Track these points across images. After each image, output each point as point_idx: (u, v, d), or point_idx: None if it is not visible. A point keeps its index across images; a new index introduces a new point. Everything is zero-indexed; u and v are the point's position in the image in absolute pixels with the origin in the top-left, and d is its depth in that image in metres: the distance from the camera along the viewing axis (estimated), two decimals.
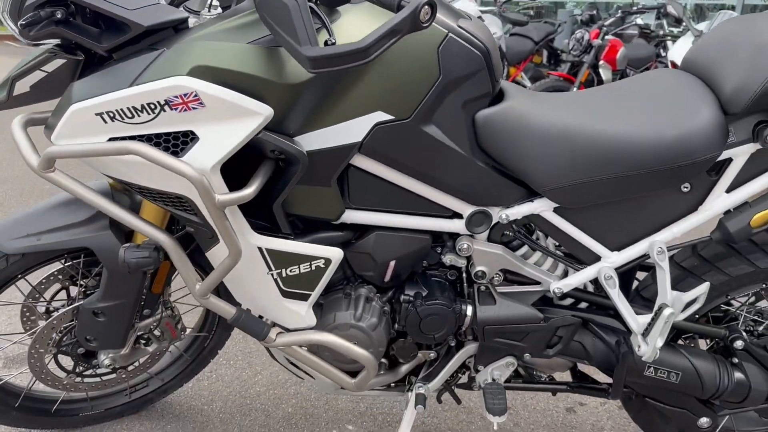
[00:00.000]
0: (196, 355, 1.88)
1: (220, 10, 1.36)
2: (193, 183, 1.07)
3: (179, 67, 1.06)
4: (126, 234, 1.46)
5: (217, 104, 1.06)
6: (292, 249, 1.24)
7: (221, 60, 1.07)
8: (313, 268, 1.27)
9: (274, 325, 1.36)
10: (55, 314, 1.54)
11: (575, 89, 5.05)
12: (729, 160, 1.30)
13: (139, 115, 1.08)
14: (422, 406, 1.46)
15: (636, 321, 1.36)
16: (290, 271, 1.27)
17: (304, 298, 1.31)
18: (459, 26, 1.20)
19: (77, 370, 1.65)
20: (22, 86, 1.26)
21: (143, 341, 1.69)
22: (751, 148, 1.28)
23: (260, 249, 1.24)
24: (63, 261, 1.53)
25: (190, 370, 1.89)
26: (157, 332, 1.68)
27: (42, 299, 1.59)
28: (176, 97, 1.05)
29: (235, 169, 1.20)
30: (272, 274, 1.27)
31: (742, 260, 1.44)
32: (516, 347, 1.42)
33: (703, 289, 1.33)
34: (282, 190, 1.18)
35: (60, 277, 1.61)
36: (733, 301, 1.55)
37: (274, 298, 1.30)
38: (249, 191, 1.11)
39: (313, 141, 1.17)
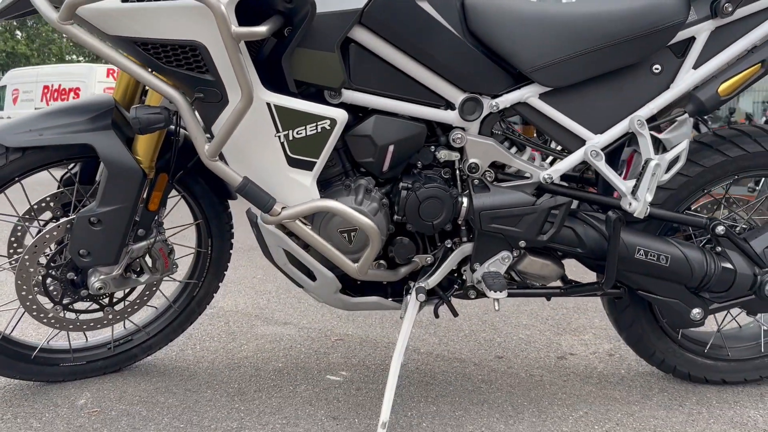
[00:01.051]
0: (185, 306, 1.83)
1: None
2: (213, 11, 1.14)
3: None
4: (127, 139, 1.49)
5: None
6: (300, 107, 1.30)
7: None
8: (320, 129, 1.32)
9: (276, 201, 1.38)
10: (46, 228, 1.51)
11: None
12: (692, 39, 1.45)
13: None
14: (423, 295, 1.47)
15: (624, 183, 1.44)
16: (297, 133, 1.32)
17: (310, 166, 1.35)
18: None
19: (64, 301, 1.60)
20: None
21: (135, 272, 1.66)
22: (711, 24, 1.44)
23: (269, 105, 1.29)
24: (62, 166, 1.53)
25: (177, 324, 1.84)
26: (148, 261, 1.65)
27: (36, 221, 1.57)
28: None
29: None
30: (279, 137, 1.32)
31: (713, 152, 1.56)
32: (511, 234, 1.47)
33: (683, 146, 1.43)
34: (291, 42, 1.26)
35: (52, 204, 1.60)
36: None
37: (279, 167, 1.34)
38: (263, 29, 1.19)
39: (318, 5, 1.27)
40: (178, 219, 1.89)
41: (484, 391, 1.72)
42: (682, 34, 1.44)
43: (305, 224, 1.39)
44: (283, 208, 1.36)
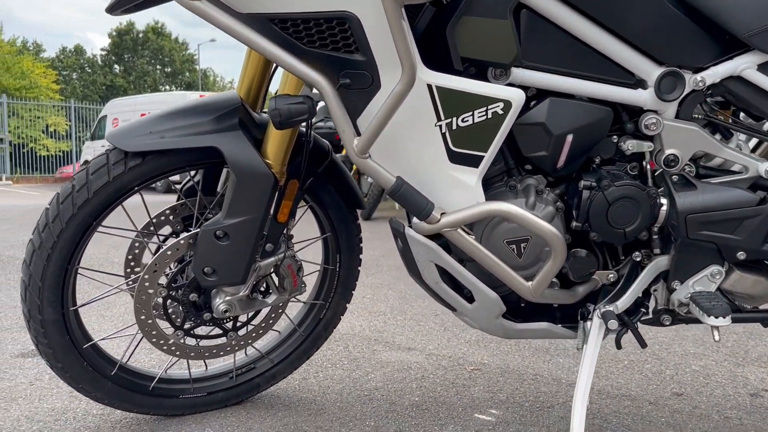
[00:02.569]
0: (311, 330, 1.63)
1: None
2: None
3: None
4: (256, 139, 1.30)
5: None
6: (468, 87, 1.06)
7: None
8: (490, 115, 1.07)
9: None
10: (168, 243, 1.35)
11: None
12: None
13: None
14: (615, 321, 1.18)
15: None
16: (462, 120, 1.07)
17: (475, 162, 1.11)
18: None
19: (185, 325, 1.42)
20: None
21: (261, 293, 1.46)
22: None
23: (430, 88, 1.06)
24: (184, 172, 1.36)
25: (303, 350, 1.63)
26: (275, 279, 1.46)
27: (155, 235, 1.41)
28: None
29: None
30: (440, 126, 1.08)
31: None
32: (727, 243, 1.16)
33: None
34: (457, 6, 1.03)
35: (172, 218, 1.44)
36: None
37: (439, 164, 1.10)
38: None
39: None
40: (300, 234, 1.70)
41: None
42: None
43: (468, 233, 1.14)
44: (442, 214, 1.11)
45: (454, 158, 1.10)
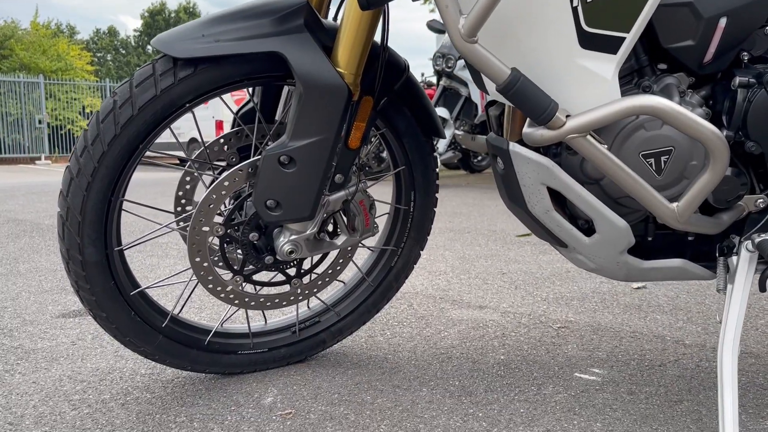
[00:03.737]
0: (381, 280, 1.44)
1: None
2: None
3: None
4: (325, 46, 1.09)
5: None
6: None
7: None
8: None
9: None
10: (225, 174, 1.15)
11: None
12: None
13: None
14: (755, 275, 0.95)
15: None
16: None
17: (614, 47, 0.88)
18: None
19: (245, 270, 1.24)
20: None
21: (329, 234, 1.27)
22: None
23: None
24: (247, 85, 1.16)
25: (372, 303, 1.44)
26: (345, 217, 1.26)
27: (209, 167, 1.22)
28: None
29: None
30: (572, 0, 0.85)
31: None
32: None
33: None
34: None
35: (226, 148, 1.25)
36: None
37: (567, 50, 0.88)
38: None
39: None
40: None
41: None
42: None
43: (600, 142, 0.92)
44: (567, 116, 0.89)
45: (587, 42, 0.88)
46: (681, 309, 1.75)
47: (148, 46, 40.64)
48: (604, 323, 1.67)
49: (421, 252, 1.46)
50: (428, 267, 2.44)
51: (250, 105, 1.28)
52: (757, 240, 0.97)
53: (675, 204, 0.94)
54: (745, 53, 1.00)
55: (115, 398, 1.26)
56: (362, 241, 1.31)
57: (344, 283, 1.47)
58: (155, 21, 38.81)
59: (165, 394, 1.28)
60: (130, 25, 76.23)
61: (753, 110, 0.92)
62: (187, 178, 1.26)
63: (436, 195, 1.42)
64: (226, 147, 1.25)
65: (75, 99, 20.82)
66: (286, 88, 1.27)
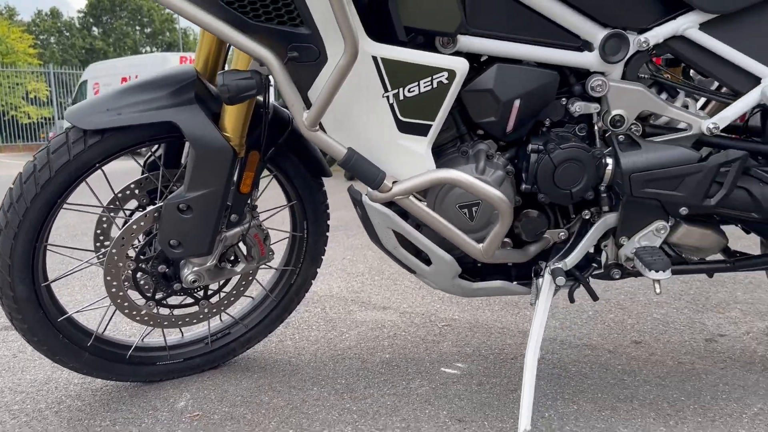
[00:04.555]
0: (283, 295, 1.68)
1: None
2: None
3: None
4: (213, 113, 1.32)
5: None
6: (412, 58, 1.08)
7: None
8: (435, 85, 1.10)
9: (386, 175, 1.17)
10: (133, 218, 1.38)
11: None
12: None
13: None
14: (563, 278, 1.24)
15: None
16: (409, 91, 1.10)
17: (424, 131, 1.14)
18: None
19: (156, 296, 1.47)
20: None
21: (229, 262, 1.51)
22: None
23: (375, 60, 1.08)
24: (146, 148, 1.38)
25: (276, 315, 1.69)
26: (243, 249, 1.50)
27: (121, 210, 1.44)
28: None
29: None
30: (388, 98, 1.11)
31: None
32: (670, 199, 1.21)
33: None
34: None
35: (137, 191, 1.47)
36: None
37: (388, 134, 1.13)
38: None
39: None
40: (269, 202, 1.73)
41: (629, 384, 1.48)
42: None
43: (420, 200, 1.18)
44: (394, 182, 1.15)
45: (403, 128, 1.13)
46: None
47: (94, 28, 39.50)
48: (482, 320, 1.96)
49: (317, 270, 1.70)
50: (348, 268, 2.70)
51: (159, 153, 1.49)
52: (551, 267, 1.26)
53: (481, 245, 1.21)
54: (547, 119, 1.27)
55: (51, 407, 1.48)
56: (262, 265, 1.56)
57: (252, 298, 1.72)
58: (100, 2, 37.63)
59: (94, 401, 1.50)
60: (74, 5, 73.54)
61: (540, 171, 1.19)
62: (103, 219, 1.47)
63: (328, 222, 1.66)
64: (137, 191, 1.47)
65: (18, 84, 20.25)
66: None
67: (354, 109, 1.12)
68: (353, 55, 1.02)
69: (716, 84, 1.38)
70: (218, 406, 1.46)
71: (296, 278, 1.68)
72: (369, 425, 1.34)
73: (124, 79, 15.73)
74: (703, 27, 1.18)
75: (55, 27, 38.69)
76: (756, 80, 1.20)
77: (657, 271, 1.17)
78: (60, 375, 1.64)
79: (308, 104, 1.13)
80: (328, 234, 1.68)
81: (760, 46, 1.18)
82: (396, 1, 1.08)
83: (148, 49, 40.71)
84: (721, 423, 1.29)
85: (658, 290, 1.21)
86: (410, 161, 1.15)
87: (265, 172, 1.53)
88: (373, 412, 1.40)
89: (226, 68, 1.38)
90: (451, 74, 1.10)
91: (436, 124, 1.14)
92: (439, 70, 1.09)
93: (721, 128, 1.21)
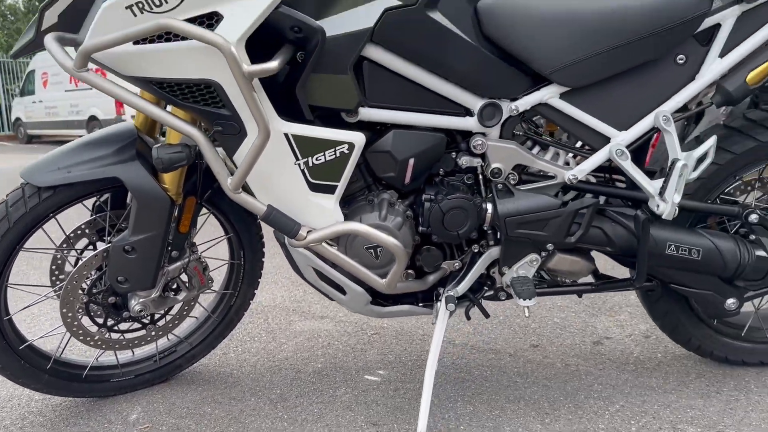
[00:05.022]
0: (223, 315, 1.89)
1: None
2: (223, 52, 1.14)
3: None
4: (153, 167, 1.51)
5: None
6: (317, 134, 1.31)
7: None
8: (338, 154, 1.32)
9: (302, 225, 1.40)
10: (85, 258, 1.57)
11: None
12: (717, 27, 1.39)
13: (166, 2, 1.17)
14: (454, 305, 1.48)
15: (651, 184, 1.41)
16: (316, 159, 1.32)
17: (331, 190, 1.36)
18: None
19: (108, 323, 1.66)
20: (51, 18, 1.35)
21: (173, 291, 1.71)
22: (737, 10, 1.38)
23: (287, 136, 1.30)
24: (94, 199, 1.57)
25: (218, 333, 1.90)
26: (185, 279, 1.70)
27: (73, 249, 1.62)
28: None
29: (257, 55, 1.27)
30: (299, 165, 1.33)
31: (744, 137, 1.51)
32: (538, 238, 1.46)
33: (711, 142, 1.40)
34: (303, 70, 1.26)
35: (87, 231, 1.65)
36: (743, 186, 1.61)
37: (301, 193, 1.35)
38: (274, 63, 1.18)
39: (329, 27, 1.26)
40: (211, 232, 1.93)
41: (520, 385, 1.75)
42: (706, 22, 1.38)
43: (331, 245, 1.41)
44: (308, 232, 1.37)
45: (314, 188, 1.35)
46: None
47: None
48: (407, 328, 2.20)
49: (255, 292, 1.92)
50: (293, 277, 2.91)
51: (106, 196, 1.68)
52: (445, 294, 1.50)
53: (384, 279, 1.45)
54: (441, 170, 1.50)
55: (15, 423, 1.67)
56: (202, 292, 1.76)
57: (196, 317, 1.92)
58: None
59: (54, 416, 1.70)
60: None
61: (432, 217, 1.43)
62: (58, 257, 1.65)
63: (263, 250, 1.87)
64: (87, 230, 1.65)
65: None
66: None
67: (272, 173, 1.34)
68: (265, 138, 1.23)
69: None
70: (166, 418, 1.67)
71: (236, 300, 1.89)
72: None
73: None
74: (563, 96, 1.43)
75: None
76: (606, 139, 1.46)
77: (524, 300, 1.43)
78: (22, 392, 1.82)
79: (236, 165, 1.34)
80: (263, 259, 1.89)
81: (608, 112, 1.44)
82: (303, 89, 1.30)
83: None
84: (586, 419, 1.56)
85: (527, 314, 1.47)
86: (321, 214, 1.37)
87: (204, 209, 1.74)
88: (302, 420, 1.63)
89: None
90: (351, 146, 1.32)
91: (341, 184, 1.36)
92: (341, 142, 1.32)
93: (579, 178, 1.47)
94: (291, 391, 1.79)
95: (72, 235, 1.63)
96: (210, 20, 1.19)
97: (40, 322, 2.39)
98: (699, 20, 1.34)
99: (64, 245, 1.63)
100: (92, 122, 15.21)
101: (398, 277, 1.44)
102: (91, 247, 1.66)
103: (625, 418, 1.56)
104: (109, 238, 1.62)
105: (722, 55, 1.41)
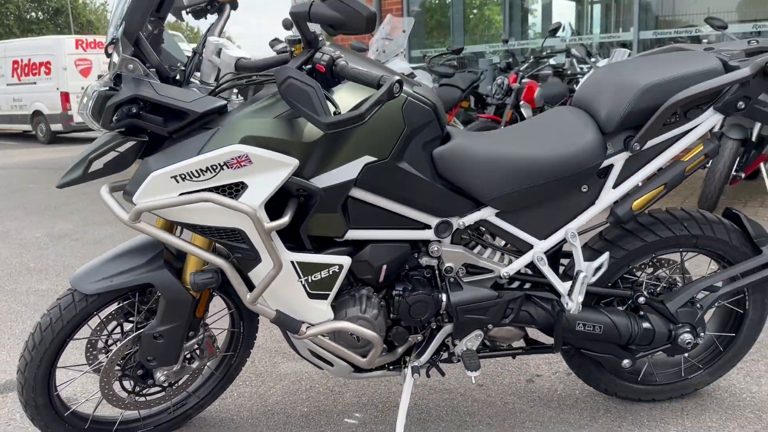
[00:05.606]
0: (225, 372, 2.28)
1: (241, 98, 1.85)
2: (250, 217, 1.53)
3: (233, 138, 1.55)
4: (176, 270, 1.89)
5: (261, 161, 1.55)
6: (315, 260, 1.72)
7: (261, 131, 1.56)
8: (330, 273, 1.74)
9: (302, 322, 1.81)
10: (120, 343, 1.94)
11: (502, 128, 5.74)
12: (611, 166, 1.86)
13: (204, 174, 1.55)
14: (418, 374, 1.93)
15: (562, 286, 1.89)
16: (314, 276, 1.74)
17: (325, 297, 1.78)
18: (414, 91, 1.73)
19: (136, 390, 2.04)
20: (97, 165, 1.70)
21: (187, 360, 2.09)
22: (625, 155, 1.85)
23: (292, 262, 1.71)
24: (123, 300, 1.94)
25: (220, 386, 2.29)
26: (198, 351, 2.09)
27: (105, 334, 1.99)
28: (233, 159, 1.54)
29: (270, 206, 1.67)
30: (301, 281, 1.74)
31: (634, 237, 1.99)
32: (481, 320, 1.92)
33: (604, 257, 1.87)
34: (306, 217, 1.67)
35: (116, 315, 2.02)
36: (635, 271, 2.10)
37: (302, 300, 1.76)
38: (286, 219, 1.59)
39: (324, 180, 1.66)
40: (216, 304, 2.30)
41: (469, 424, 2.21)
42: (604, 162, 1.85)
43: (324, 336, 1.83)
44: (307, 327, 1.79)
45: (312, 296, 1.77)
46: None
47: None
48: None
49: (250, 351, 2.31)
50: None
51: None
52: (410, 364, 1.95)
53: (364, 358, 1.88)
54: (407, 265, 1.93)
55: None
56: (211, 359, 2.15)
57: (202, 374, 2.31)
58: None
59: None
60: None
61: (400, 308, 1.86)
62: (93, 340, 2.01)
63: (258, 319, 2.27)
64: (117, 315, 2.02)
65: None
66: None
67: (279, 287, 1.74)
68: (278, 270, 1.64)
69: None
70: None
71: (235, 359, 2.28)
72: None
73: (15, 62, 15.13)
74: (497, 214, 1.88)
75: None
76: (530, 246, 1.92)
77: (471, 371, 1.88)
78: None
79: (252, 282, 1.74)
80: (257, 326, 2.29)
81: (531, 227, 1.89)
82: (305, 230, 1.70)
83: (33, 14, 38.18)
84: None
85: (474, 382, 1.92)
86: (317, 314, 1.79)
87: None
88: None
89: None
90: (341, 266, 1.74)
91: (333, 293, 1.78)
92: (332, 265, 1.73)
93: (510, 275, 1.92)
94: None
95: (104, 319, 2.00)
96: (237, 187, 1.57)
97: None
98: (597, 165, 1.81)
99: (98, 329, 1.99)
100: (37, 117, 14.98)
101: (376, 358, 1.87)
102: (119, 327, 2.02)
103: None
104: (134, 319, 1.99)
105: (615, 186, 1.88)
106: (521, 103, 5.89)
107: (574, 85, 6.78)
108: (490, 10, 11.25)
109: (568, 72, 6.84)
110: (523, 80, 5.94)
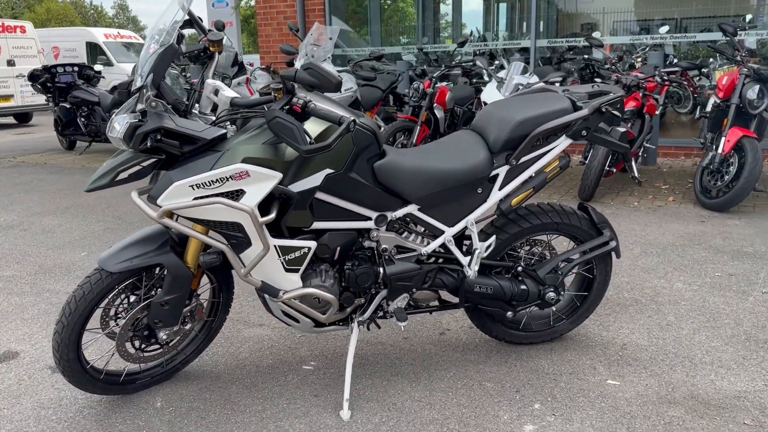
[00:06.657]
0: (207, 334, 2.90)
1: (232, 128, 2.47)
2: (248, 214, 2.17)
3: (237, 158, 2.17)
4: (179, 253, 2.49)
5: (256, 175, 2.19)
6: (291, 244, 2.37)
7: (256, 153, 2.20)
8: (301, 253, 2.40)
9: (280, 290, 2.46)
10: (133, 309, 2.52)
11: (418, 127, 6.53)
12: (497, 175, 2.63)
13: (214, 184, 2.17)
14: (361, 327, 2.64)
15: (464, 260, 2.65)
16: (289, 256, 2.39)
17: (297, 270, 2.44)
18: (360, 122, 2.42)
19: (141, 347, 2.63)
20: (122, 175, 2.28)
21: (182, 323, 2.70)
22: (506, 168, 2.62)
23: (275, 246, 2.36)
24: (135, 277, 2.52)
25: (203, 345, 2.90)
26: (190, 316, 2.70)
27: (116, 305, 2.56)
28: (237, 173, 2.16)
29: (259, 206, 2.30)
30: (280, 259, 2.39)
31: (514, 225, 2.78)
32: (407, 286, 2.64)
33: (492, 239, 2.65)
34: (285, 213, 2.32)
35: (125, 290, 2.59)
36: (516, 248, 2.90)
37: (280, 272, 2.42)
38: (273, 215, 2.24)
39: (298, 187, 2.32)
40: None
41: (397, 365, 2.94)
42: (492, 172, 2.61)
43: (294, 299, 2.50)
44: (284, 293, 2.45)
45: (287, 270, 2.42)
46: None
47: None
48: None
49: (227, 316, 2.93)
50: None
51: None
52: (356, 320, 2.65)
53: (324, 316, 2.56)
54: (354, 247, 2.62)
55: (78, 414, 2.58)
56: (200, 322, 2.76)
57: (189, 336, 2.91)
58: None
59: (102, 408, 2.63)
60: None
61: (349, 279, 2.55)
62: (109, 307, 2.56)
63: (233, 290, 2.89)
64: (126, 290, 2.58)
65: None
66: None
67: (264, 263, 2.38)
68: (266, 251, 2.28)
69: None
70: (181, 404, 2.67)
71: (215, 323, 2.90)
72: (270, 404, 2.65)
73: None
74: (419, 209, 2.60)
75: None
76: (442, 232, 2.66)
77: (401, 322, 2.61)
78: (71, 395, 2.72)
79: (243, 261, 2.37)
80: (233, 297, 2.91)
81: (443, 217, 2.63)
82: (283, 223, 2.36)
83: None
84: (434, 382, 2.79)
85: (402, 329, 2.65)
86: (290, 283, 2.44)
87: None
88: (270, 396, 2.71)
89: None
90: (309, 249, 2.41)
91: (303, 268, 2.44)
92: (303, 247, 2.40)
93: (428, 252, 2.66)
94: (257, 379, 2.85)
95: (116, 291, 2.57)
96: (237, 193, 2.20)
97: (101, 346, 3.22)
98: (488, 175, 2.57)
99: (112, 299, 2.56)
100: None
101: (332, 315, 2.56)
102: (126, 298, 2.59)
103: (453, 380, 2.81)
104: (139, 292, 2.57)
105: (500, 189, 2.65)
106: (435, 105, 6.70)
107: (482, 86, 7.69)
108: (404, 2, 12.06)
109: (474, 71, 7.71)
110: (437, 85, 6.73)
